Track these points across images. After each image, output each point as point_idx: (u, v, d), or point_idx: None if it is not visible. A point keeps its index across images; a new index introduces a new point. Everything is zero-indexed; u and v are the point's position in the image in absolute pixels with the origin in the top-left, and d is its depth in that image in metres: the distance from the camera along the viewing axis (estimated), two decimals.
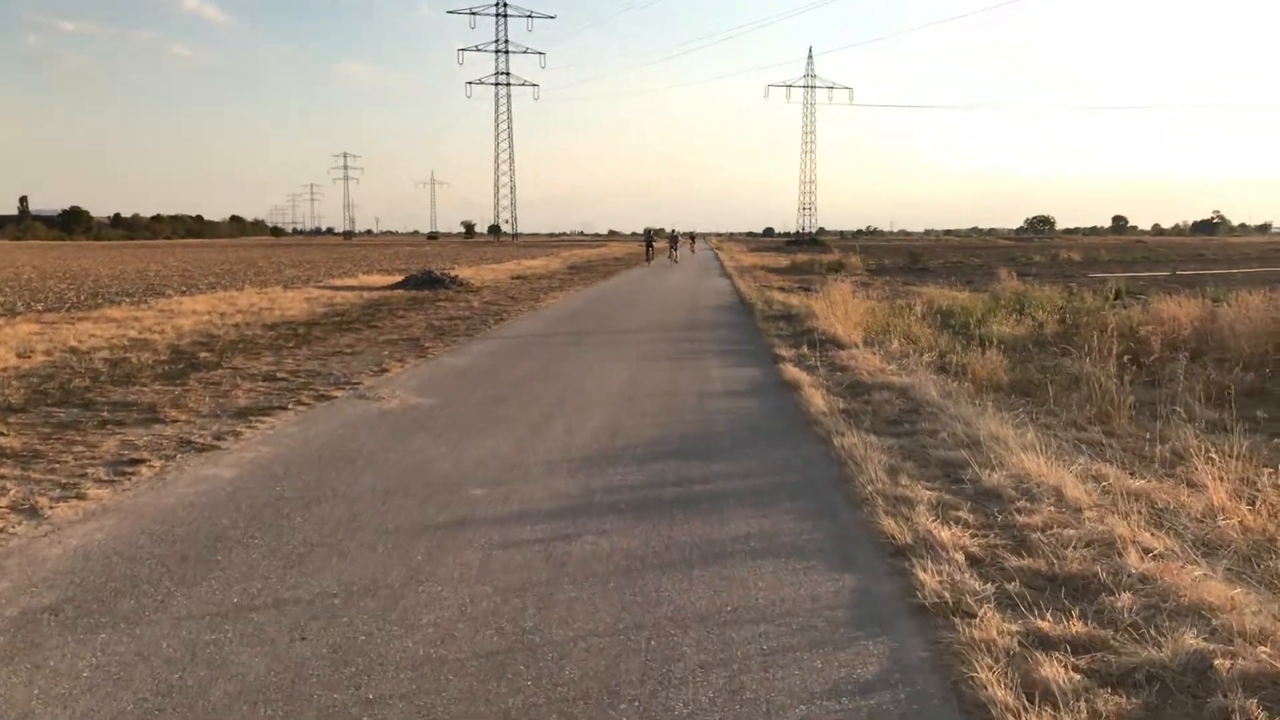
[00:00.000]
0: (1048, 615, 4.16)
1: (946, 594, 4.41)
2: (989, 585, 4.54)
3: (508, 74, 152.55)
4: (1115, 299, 24.42)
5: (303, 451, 7.23)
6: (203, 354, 12.77)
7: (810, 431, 8.17)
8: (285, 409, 8.94)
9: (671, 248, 58.43)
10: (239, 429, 7.97)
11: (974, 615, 4.19)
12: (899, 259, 57.90)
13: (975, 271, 45.12)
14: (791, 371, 11.39)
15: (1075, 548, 4.98)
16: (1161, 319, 14.31)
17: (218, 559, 4.88)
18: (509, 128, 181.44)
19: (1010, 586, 4.52)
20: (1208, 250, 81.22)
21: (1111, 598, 4.34)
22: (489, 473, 6.66)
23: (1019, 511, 5.70)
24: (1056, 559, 4.86)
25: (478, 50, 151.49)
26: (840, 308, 17.30)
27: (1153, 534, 5.22)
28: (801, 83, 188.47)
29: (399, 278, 30.89)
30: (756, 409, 9.29)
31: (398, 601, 4.35)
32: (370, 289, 28.27)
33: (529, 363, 12.28)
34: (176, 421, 8.28)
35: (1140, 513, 5.59)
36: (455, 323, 17.40)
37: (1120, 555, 4.83)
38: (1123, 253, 72.76)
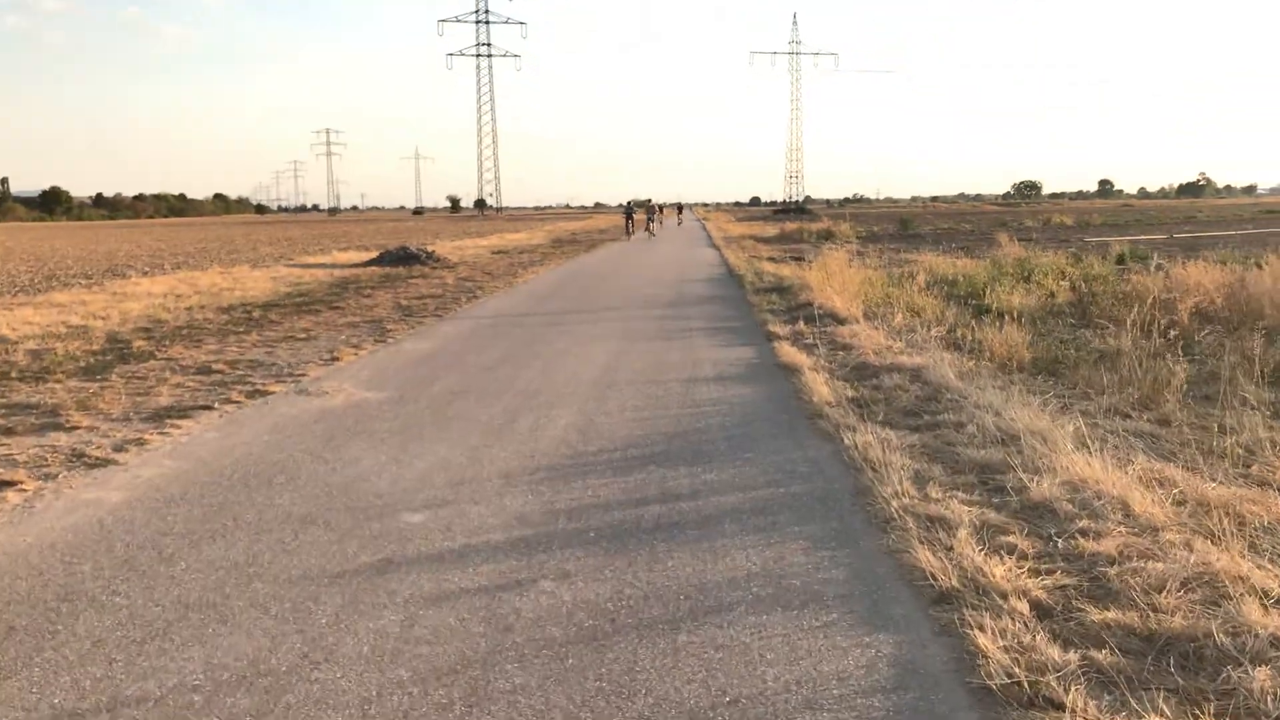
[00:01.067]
0: (1164, 707, 3.04)
1: (1018, 669, 3.29)
2: (1070, 653, 3.43)
3: (489, 45, 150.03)
4: (1119, 263, 23.41)
5: (214, 466, 6.06)
6: (139, 343, 11.55)
7: (816, 426, 7.03)
8: (210, 409, 7.77)
9: (649, 220, 51.52)
10: (148, 436, 6.80)
11: (1062, 708, 3.07)
12: (889, 226, 56.75)
13: (968, 238, 44.02)
14: (788, 352, 10.26)
15: (1170, 591, 3.86)
16: (1186, 286, 13.19)
17: (55, 630, 3.72)
18: (491, 100, 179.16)
19: (1099, 656, 3.40)
20: (1199, 213, 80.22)
21: (1242, 674, 3.22)
22: (433, 490, 5.51)
23: (1083, 534, 4.59)
24: (1150, 609, 3.74)
25: (458, 21, 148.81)
26: (836, 279, 16.14)
27: (1260, 566, 4.11)
28: (786, 49, 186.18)
29: (374, 254, 29.60)
30: (752, 399, 8.14)
31: (278, 699, 3.21)
32: (343, 266, 27.00)
33: (499, 347, 11.11)
34: (77, 428, 7.10)
35: (1231, 532, 4.48)
36: (425, 302, 16.20)
37: (1233, 603, 3.71)
38: (1114, 216, 71.70)
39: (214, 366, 9.76)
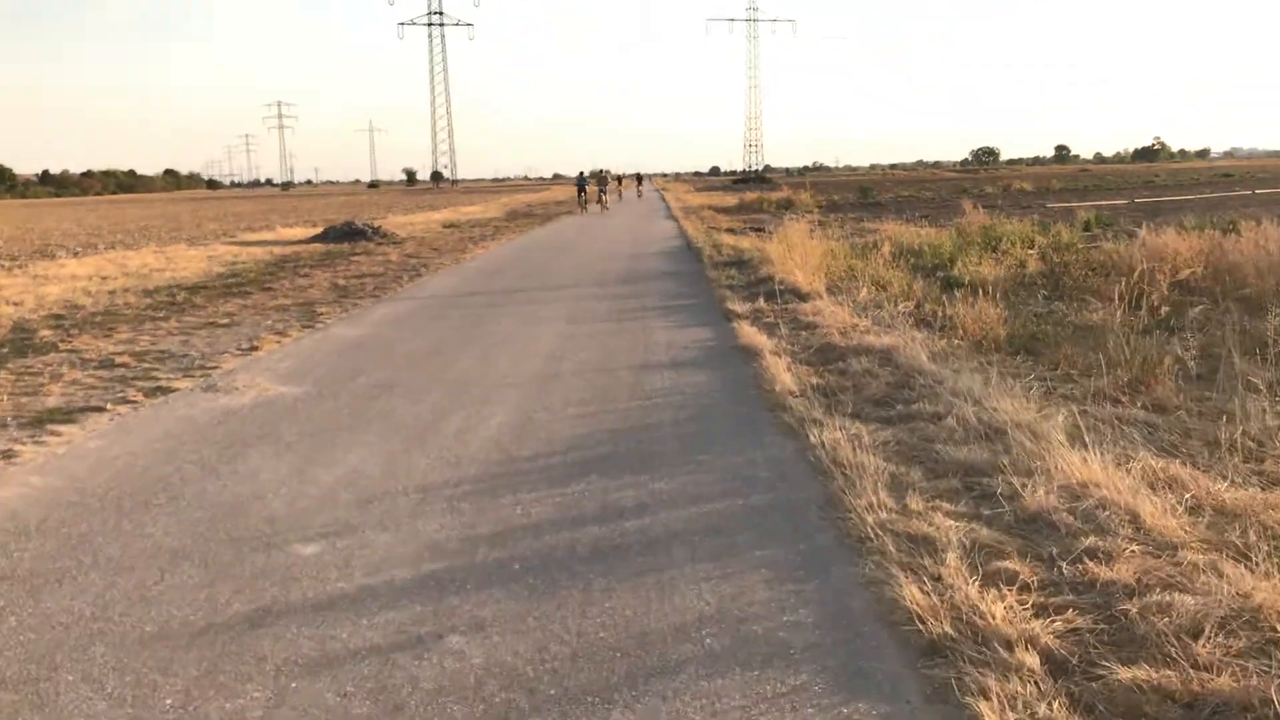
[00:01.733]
0: None
1: None
2: None
3: (440, 14, 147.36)
4: (1085, 230, 22.93)
5: (87, 484, 5.24)
6: (45, 332, 10.61)
7: (778, 420, 6.33)
8: (103, 410, 6.92)
9: (600, 192, 45.12)
10: (19, 447, 5.95)
11: None
12: (849, 194, 56.18)
13: (929, 205, 43.55)
14: (748, 332, 9.55)
15: (1208, 637, 3.19)
16: (1161, 254, 12.62)
17: None
18: (444, 70, 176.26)
19: None
20: (1156, 177, 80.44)
21: None
22: (335, 512, 4.74)
23: (1092, 555, 3.92)
24: (1188, 663, 3.07)
25: None
26: (797, 251, 15.43)
27: None
28: (744, 16, 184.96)
29: (319, 230, 28.50)
30: (708, 388, 7.42)
31: None
32: (286, 243, 25.95)
33: (435, 331, 10.30)
34: None
35: (1265, 551, 3.83)
36: (363, 281, 15.30)
37: None
38: (1072, 181, 71.61)
39: (119, 359, 8.87)
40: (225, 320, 11.33)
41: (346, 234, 26.55)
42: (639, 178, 71.86)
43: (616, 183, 52.84)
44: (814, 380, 7.33)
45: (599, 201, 44.49)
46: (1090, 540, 4.06)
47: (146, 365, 8.61)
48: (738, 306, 11.42)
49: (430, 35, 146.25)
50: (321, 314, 11.67)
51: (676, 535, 4.38)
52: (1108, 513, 4.33)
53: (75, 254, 23.92)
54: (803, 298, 12.00)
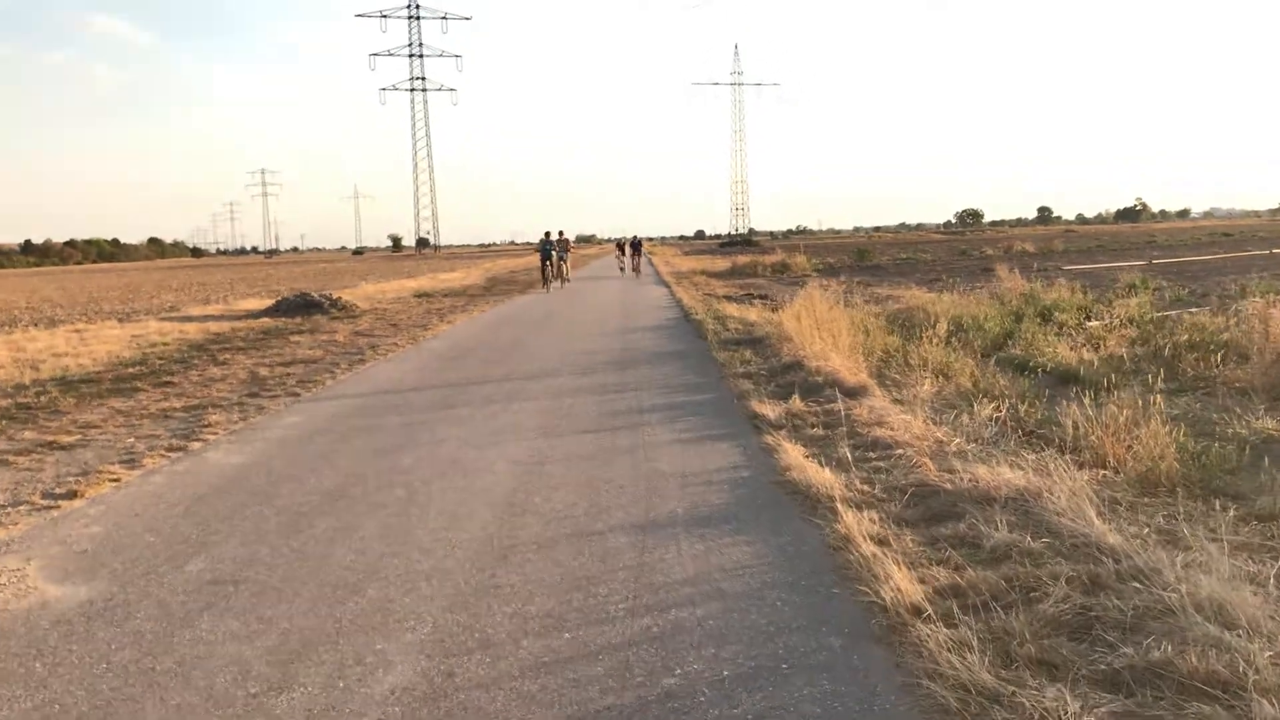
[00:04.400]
0: None
1: None
2: None
3: (423, 79, 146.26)
4: (1125, 295, 20.26)
5: None
6: None
7: (919, 691, 3.38)
8: None
9: (558, 259, 33.27)
10: None
11: None
12: (844, 257, 53.92)
13: (933, 268, 41.15)
14: (792, 455, 6.66)
15: None
16: None
17: None
18: (427, 135, 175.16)
19: None
20: (1153, 237, 78.64)
21: None
22: None
23: None
24: None
25: (390, 55, 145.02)
26: (822, 326, 12.60)
27: None
28: (728, 79, 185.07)
29: (274, 301, 25.64)
30: (760, 584, 4.46)
31: None
32: (233, 317, 23.06)
33: (349, 457, 7.35)
34: None
35: None
36: (291, 371, 12.35)
37: None
38: (1076, 243, 69.65)
39: None
40: (75, 436, 8.36)
41: (300, 306, 23.71)
42: (635, 245, 43.72)
43: (567, 247, 35.57)
44: (938, 574, 4.39)
45: (558, 275, 33.07)
46: None
47: None
48: (766, 407, 8.52)
49: (412, 101, 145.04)
50: (209, 425, 8.71)
51: None
52: None
53: None
54: (849, 392, 9.12)
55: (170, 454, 7.51)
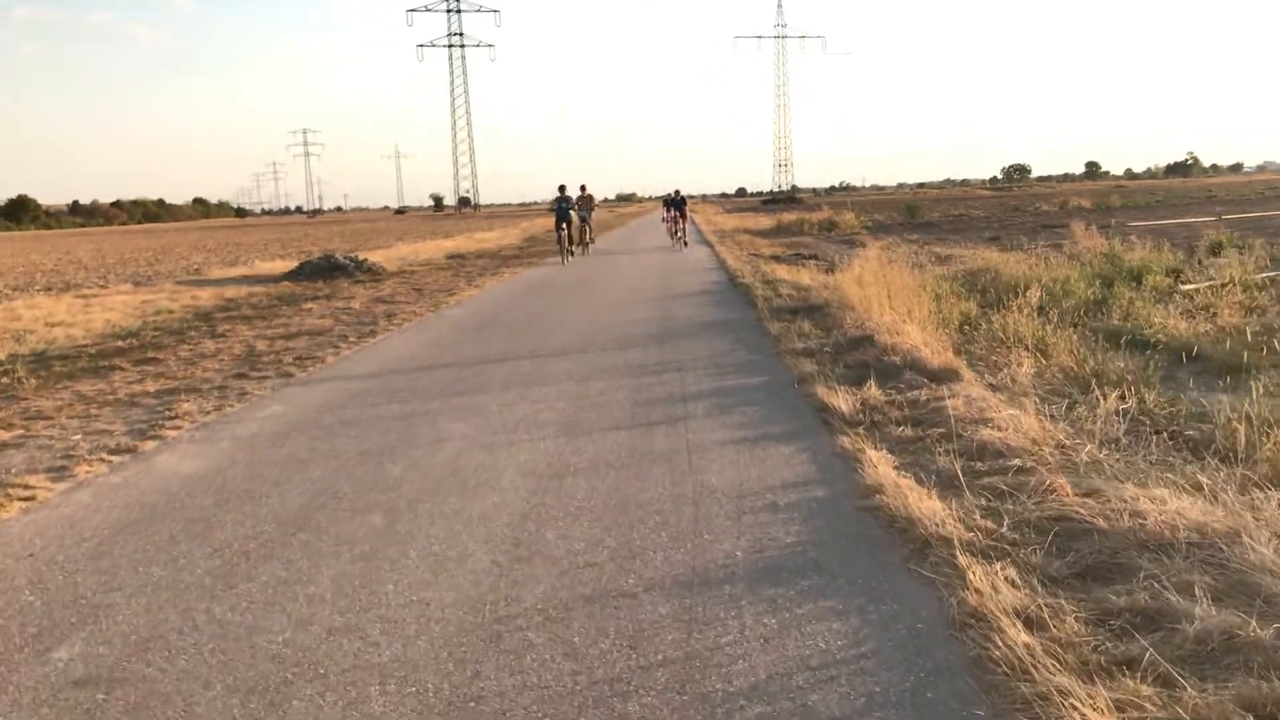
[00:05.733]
0: None
1: None
2: None
3: (460, 34, 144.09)
4: (1212, 255, 18.42)
5: None
6: None
7: None
8: None
9: (582, 221, 26.75)
10: None
11: None
12: (892, 214, 51.92)
13: (988, 225, 39.16)
14: (880, 469, 5.22)
15: None
16: None
17: None
18: (465, 92, 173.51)
19: None
20: (1210, 191, 75.47)
21: None
22: None
23: None
24: None
25: (428, 11, 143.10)
26: (892, 293, 11.04)
27: None
28: (772, 33, 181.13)
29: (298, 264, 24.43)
30: (866, 703, 3.02)
31: None
32: (254, 280, 21.89)
33: (327, 463, 5.99)
34: None
35: None
36: (291, 345, 11.03)
37: None
38: (1127, 198, 66.83)
39: None
40: (16, 431, 7.08)
41: (324, 269, 22.47)
42: (679, 204, 30.48)
43: (590, 204, 27.73)
44: (1140, 697, 2.92)
45: (582, 241, 27.17)
46: None
47: None
48: (836, 396, 7.04)
49: (450, 57, 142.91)
50: (176, 416, 7.39)
51: None
52: None
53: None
54: (934, 376, 7.62)
55: (114, 457, 6.19)
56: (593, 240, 29.07)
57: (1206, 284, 13.02)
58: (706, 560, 4.17)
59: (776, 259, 22.11)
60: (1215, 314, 10.78)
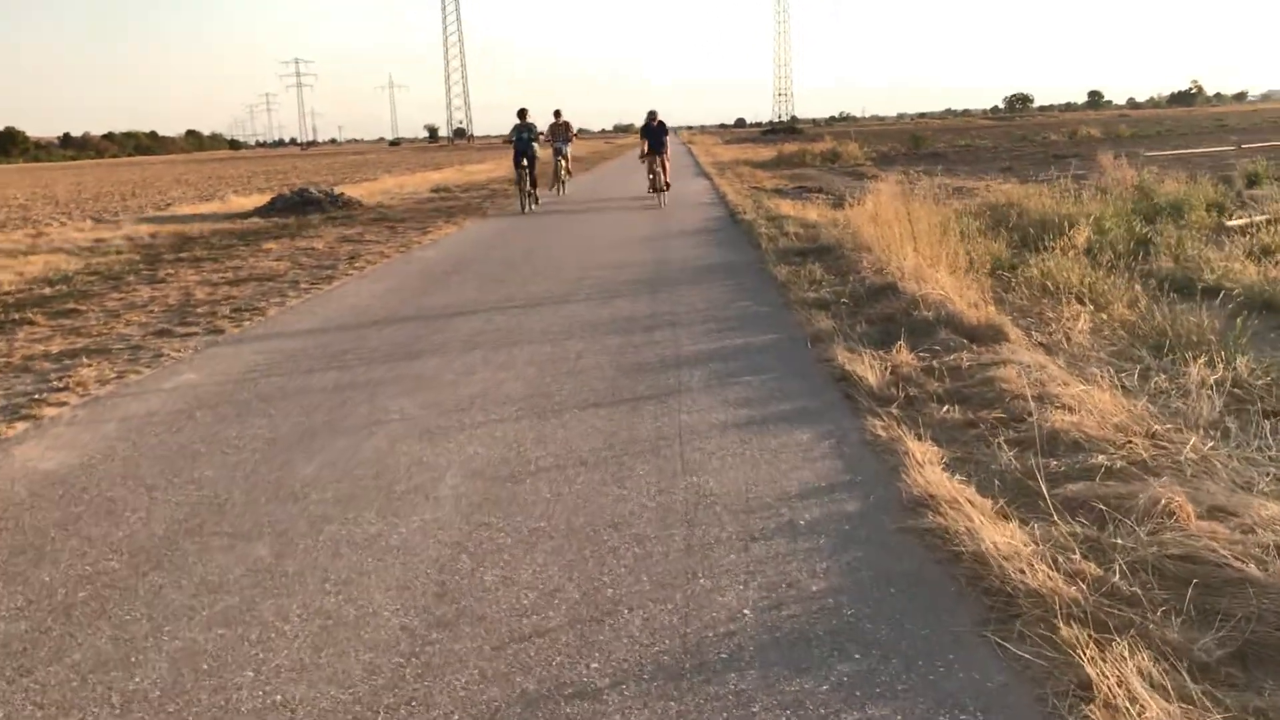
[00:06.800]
0: None
1: None
2: None
3: None
4: (1250, 186, 17.09)
5: None
6: None
7: None
8: None
9: (556, 156, 22.34)
10: None
11: None
12: (896, 145, 50.15)
13: (997, 156, 37.62)
14: (926, 470, 4.04)
15: None
16: None
17: None
18: (458, 20, 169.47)
19: None
20: (1221, 120, 73.36)
21: None
22: None
23: None
24: None
25: None
26: (912, 231, 9.74)
27: None
28: None
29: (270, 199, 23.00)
30: None
31: None
32: (219, 216, 20.48)
33: (224, 459, 4.77)
34: None
35: None
36: (235, 293, 9.76)
37: None
38: (1136, 127, 64.85)
39: None
40: None
41: (297, 204, 21.11)
42: (659, 134, 19.99)
43: (568, 135, 22.27)
44: None
45: (558, 175, 22.50)
46: None
47: None
48: (860, 363, 5.80)
49: None
50: (67, 387, 6.15)
51: None
52: None
53: None
54: (973, 335, 6.39)
55: None
56: (567, 177, 23.27)
57: (1259, 219, 11.72)
58: (704, 625, 2.97)
59: (779, 193, 20.72)
60: (1276, 253, 9.50)
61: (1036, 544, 3.33)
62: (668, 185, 19.87)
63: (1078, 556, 3.22)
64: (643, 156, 20.45)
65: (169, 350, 7.15)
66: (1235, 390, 5.19)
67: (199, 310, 8.78)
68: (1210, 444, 4.27)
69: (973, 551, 3.30)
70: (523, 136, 18.74)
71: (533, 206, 19.14)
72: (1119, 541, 3.30)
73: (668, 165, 19.98)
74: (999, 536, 3.35)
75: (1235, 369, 5.42)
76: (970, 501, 3.75)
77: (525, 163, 18.68)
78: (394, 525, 3.79)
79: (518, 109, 18.95)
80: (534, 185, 19.33)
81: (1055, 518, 3.51)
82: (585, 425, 5.01)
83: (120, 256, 13.56)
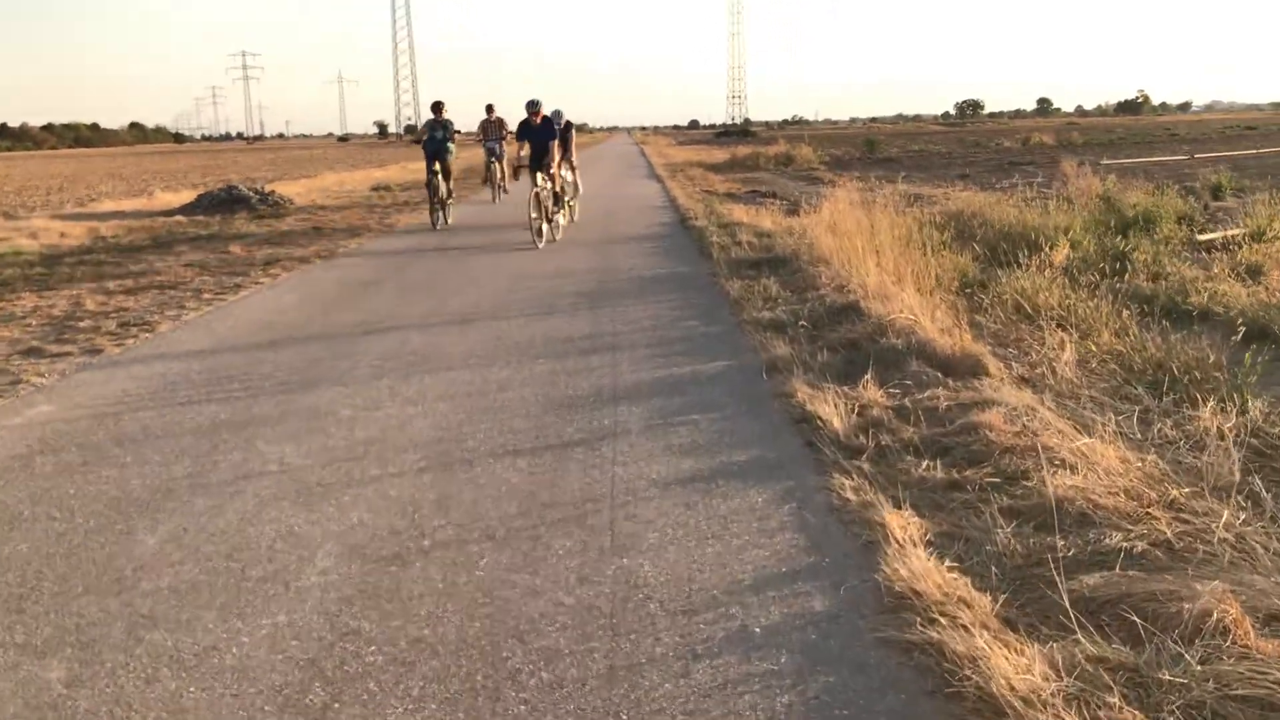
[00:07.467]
0: None
1: None
2: None
3: None
4: (1214, 198, 16.72)
5: None
6: None
7: None
8: None
9: (489, 159, 19.84)
10: None
11: None
12: (849, 149, 49.74)
13: (951, 162, 37.26)
14: (910, 558, 3.35)
15: None
16: None
17: None
18: (407, 15, 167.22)
19: None
20: (1171, 130, 74.10)
21: None
22: None
23: None
24: None
25: None
26: (874, 245, 9.03)
27: None
28: None
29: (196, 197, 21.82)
30: None
31: None
32: (140, 214, 19.30)
33: (35, 534, 3.88)
34: None
35: None
36: (129, 304, 8.78)
37: None
38: (1087, 135, 65.19)
39: None
40: None
41: (223, 202, 19.99)
42: (542, 136, 12.81)
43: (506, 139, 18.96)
44: None
45: (494, 182, 19.81)
46: None
47: None
48: (823, 401, 5.04)
49: None
50: None
51: None
52: None
53: None
54: (948, 368, 5.66)
55: None
56: (504, 188, 19.84)
57: (1233, 233, 11.19)
58: None
59: (732, 197, 20.00)
60: (1262, 274, 8.93)
61: (1060, 676, 2.57)
62: (570, 211, 14.91)
63: (1117, 701, 2.45)
64: (515, 172, 14.57)
65: (31, 375, 6.20)
66: (1253, 440, 4.49)
67: (82, 325, 7.81)
68: (1242, 516, 3.56)
69: (978, 690, 2.53)
70: (435, 136, 15.06)
71: (447, 221, 15.39)
72: (1166, 677, 2.54)
73: (569, 181, 14.70)
74: (1011, 669, 2.57)
75: (1250, 414, 4.73)
76: (965, 601, 2.99)
77: (437, 167, 14.87)
78: (235, 633, 2.94)
79: (432, 103, 15.45)
80: (449, 195, 15.63)
81: (1078, 633, 2.75)
82: (499, 482, 4.18)
83: (17, 259, 12.45)
